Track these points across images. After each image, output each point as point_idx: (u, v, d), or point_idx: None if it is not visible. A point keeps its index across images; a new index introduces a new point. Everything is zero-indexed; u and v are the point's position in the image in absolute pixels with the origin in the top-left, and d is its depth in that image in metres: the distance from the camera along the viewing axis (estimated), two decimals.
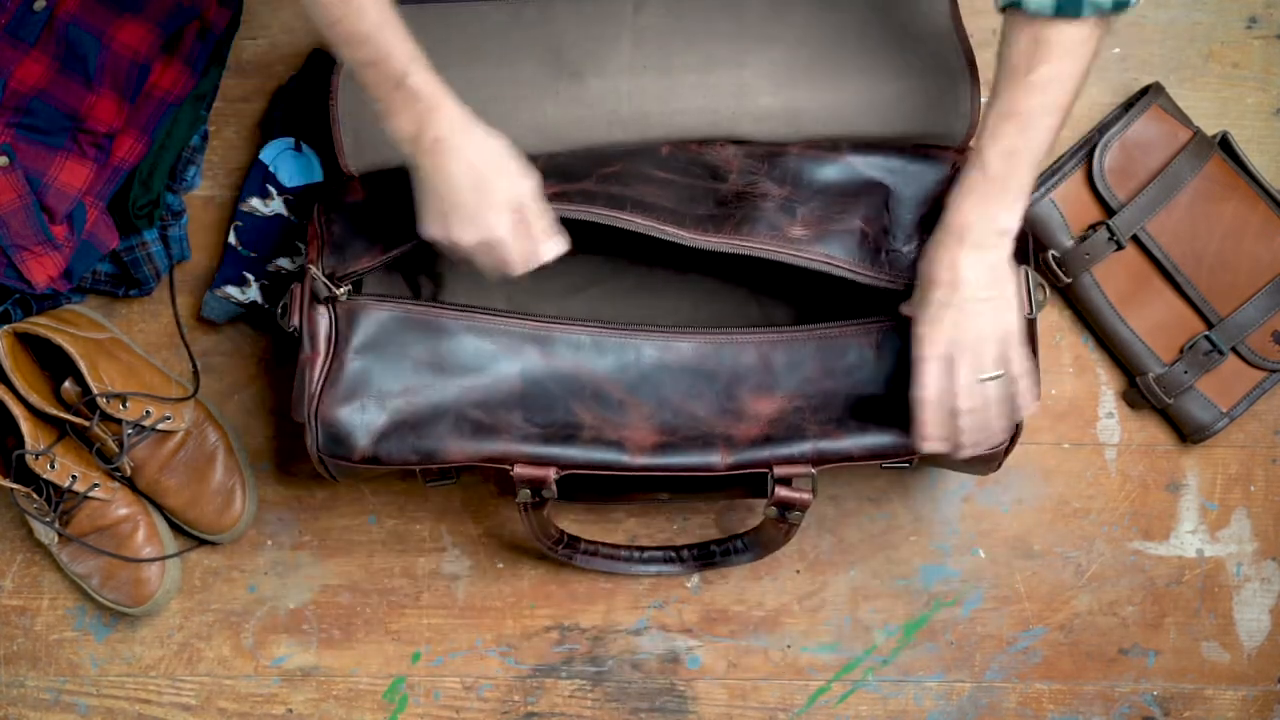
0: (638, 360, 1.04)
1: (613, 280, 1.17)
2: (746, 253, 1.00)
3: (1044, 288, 1.02)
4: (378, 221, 1.05)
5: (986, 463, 1.04)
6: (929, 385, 0.95)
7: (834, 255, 1.00)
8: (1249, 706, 1.21)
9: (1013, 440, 1.01)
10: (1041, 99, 0.90)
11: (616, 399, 1.03)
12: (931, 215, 1.01)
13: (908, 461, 1.03)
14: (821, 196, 1.03)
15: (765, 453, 1.01)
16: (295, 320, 1.04)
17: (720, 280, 1.17)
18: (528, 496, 1.03)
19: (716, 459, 1.01)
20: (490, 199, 0.94)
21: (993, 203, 0.93)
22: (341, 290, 1.03)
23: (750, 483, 1.05)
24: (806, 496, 1.02)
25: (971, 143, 0.93)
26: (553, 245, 0.97)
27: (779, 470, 1.00)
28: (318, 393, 1.02)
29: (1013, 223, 0.94)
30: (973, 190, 0.93)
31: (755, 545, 1.13)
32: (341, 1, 0.90)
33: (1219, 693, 1.21)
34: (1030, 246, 1.08)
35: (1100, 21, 0.89)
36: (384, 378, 1.03)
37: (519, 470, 1.01)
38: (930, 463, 1.05)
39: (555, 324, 1.04)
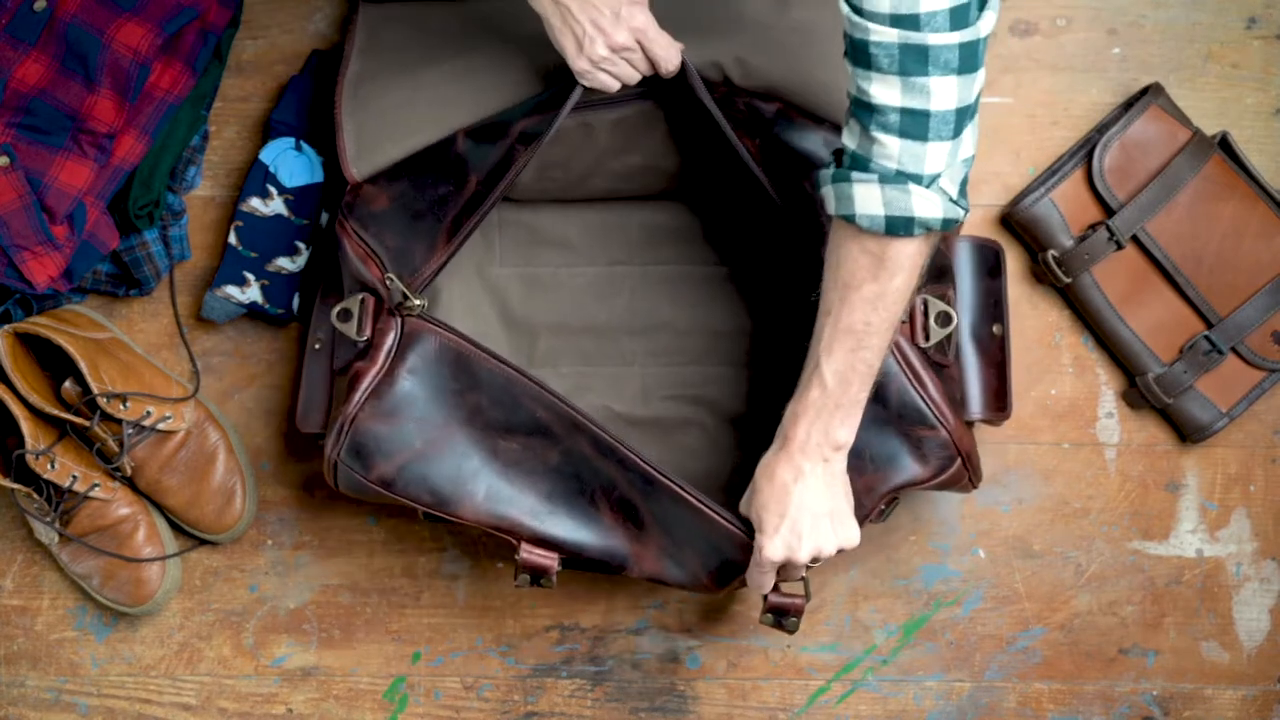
0: (673, 503, 1.02)
1: (610, 291, 1.17)
2: (705, 103, 0.99)
3: (948, 315, 1.02)
4: (422, 219, 1.03)
5: (957, 483, 1.04)
6: (764, 585, 1.00)
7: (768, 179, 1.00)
8: (1249, 706, 1.21)
9: (967, 462, 1.02)
10: (874, 315, 0.90)
11: (642, 516, 1.02)
12: None
13: (894, 500, 1.04)
14: (791, 161, 1.02)
15: None
16: (367, 332, 1.03)
17: (711, 302, 1.17)
18: (526, 581, 1.03)
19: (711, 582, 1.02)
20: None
21: (828, 418, 0.94)
22: (419, 301, 1.01)
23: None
24: (800, 602, 1.02)
25: (810, 353, 0.95)
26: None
27: None
28: (361, 401, 1.01)
29: (848, 436, 0.95)
30: (810, 407, 0.94)
31: None
32: None
33: (1219, 692, 1.21)
34: (945, 270, 1.07)
35: (931, 235, 0.88)
36: (429, 407, 1.01)
37: (524, 555, 1.01)
38: (905, 492, 1.05)
39: (610, 437, 1.01)
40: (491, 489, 1.01)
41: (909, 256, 0.88)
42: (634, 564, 1.02)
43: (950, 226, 0.87)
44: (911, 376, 1.00)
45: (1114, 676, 1.21)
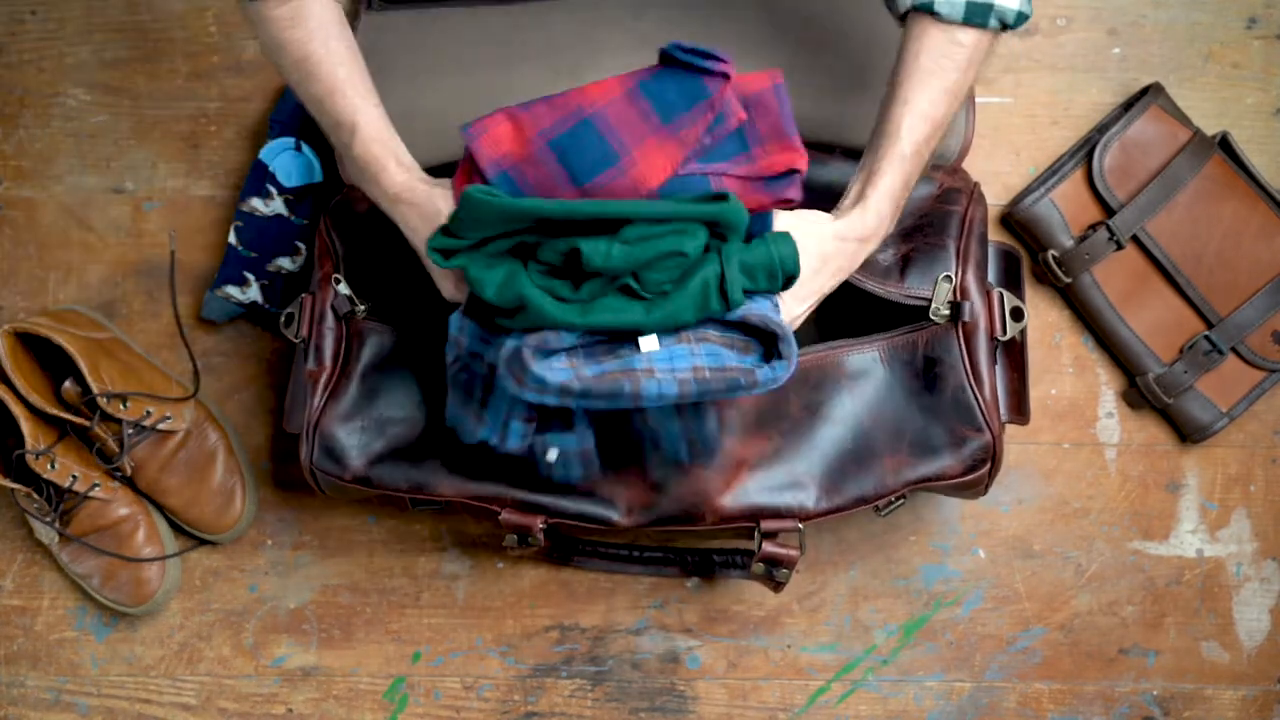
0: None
1: None
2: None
3: (1021, 310, 1.02)
4: (393, 235, 1.04)
5: (972, 489, 1.04)
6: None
7: None
8: (1249, 706, 1.21)
9: (993, 469, 1.01)
10: (950, 107, 0.93)
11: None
12: (913, 227, 1.01)
13: (902, 497, 1.03)
14: (805, 191, 1.02)
15: (752, 507, 1.00)
16: (305, 332, 1.03)
17: None
18: (514, 542, 1.02)
19: (703, 514, 1.00)
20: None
21: (899, 204, 0.94)
22: (361, 308, 1.02)
23: (739, 529, 1.03)
24: (794, 554, 1.01)
25: (877, 134, 0.94)
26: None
27: (766, 525, 1.00)
28: (320, 406, 1.01)
29: (891, 227, 0.94)
30: (893, 192, 0.92)
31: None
32: (295, 65, 0.89)
33: (1219, 693, 1.21)
34: (1021, 265, 1.07)
35: (996, 36, 0.92)
36: (388, 402, 1.02)
37: (506, 516, 1.00)
38: (918, 490, 1.05)
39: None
40: (466, 465, 1.01)
41: (981, 49, 0.92)
42: (622, 509, 1.01)
43: (1020, 22, 0.91)
44: (970, 374, 1.00)
45: (1114, 676, 1.21)
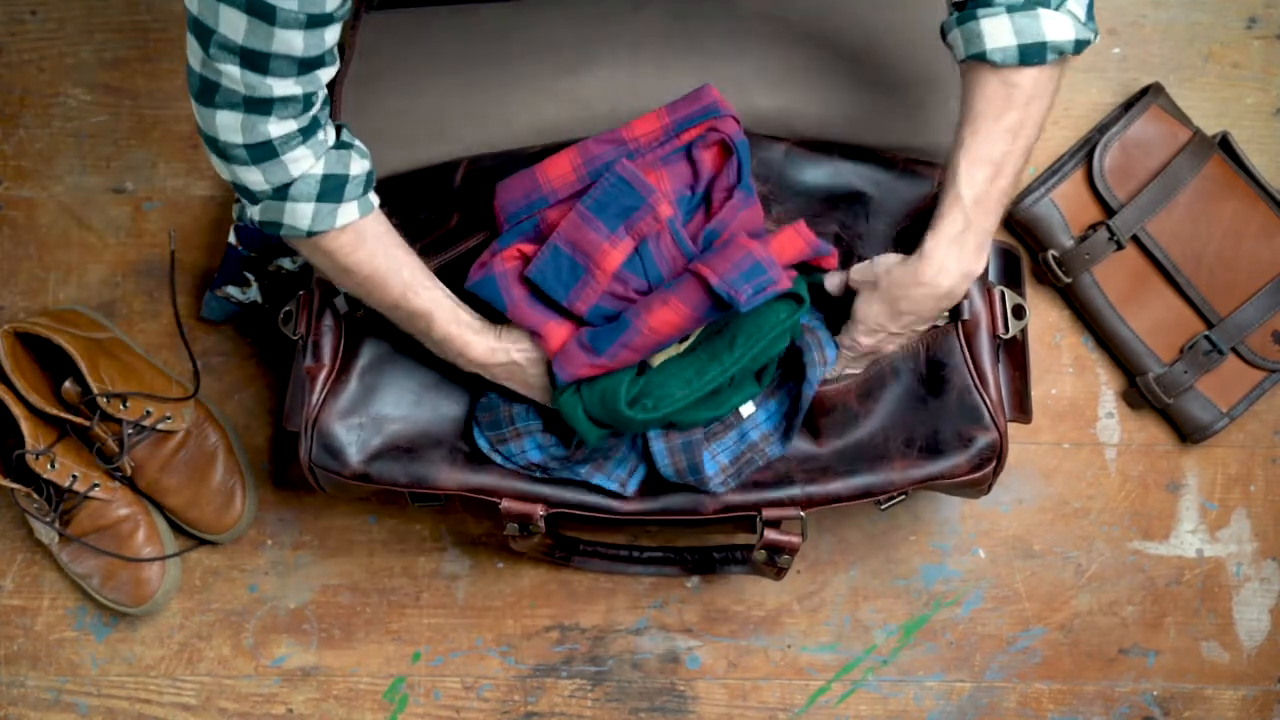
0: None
1: None
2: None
3: (1022, 307, 1.02)
4: None
5: (976, 486, 1.04)
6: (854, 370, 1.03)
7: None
8: (1249, 706, 1.21)
9: (998, 467, 1.01)
10: (1012, 145, 0.90)
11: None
12: (908, 230, 1.01)
13: (903, 493, 1.03)
14: (801, 199, 1.02)
15: (754, 496, 1.00)
16: (302, 329, 1.03)
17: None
18: (515, 530, 1.02)
19: (705, 502, 1.00)
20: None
21: (968, 251, 0.94)
22: (361, 310, 1.02)
23: (741, 518, 1.03)
24: (796, 540, 1.01)
25: (941, 182, 0.94)
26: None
27: (767, 513, 1.00)
28: (319, 403, 1.01)
29: (980, 267, 0.95)
30: (952, 237, 0.93)
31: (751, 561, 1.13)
32: (362, 282, 0.94)
33: (1219, 692, 1.21)
34: (1021, 263, 1.07)
35: (1063, 61, 0.89)
36: (385, 399, 1.02)
37: (506, 505, 1.00)
38: (923, 488, 1.05)
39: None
40: (465, 458, 1.01)
41: (1044, 84, 0.89)
42: (623, 500, 1.02)
43: (1081, 49, 0.88)
44: (974, 374, 1.00)
45: (1114, 676, 1.21)
